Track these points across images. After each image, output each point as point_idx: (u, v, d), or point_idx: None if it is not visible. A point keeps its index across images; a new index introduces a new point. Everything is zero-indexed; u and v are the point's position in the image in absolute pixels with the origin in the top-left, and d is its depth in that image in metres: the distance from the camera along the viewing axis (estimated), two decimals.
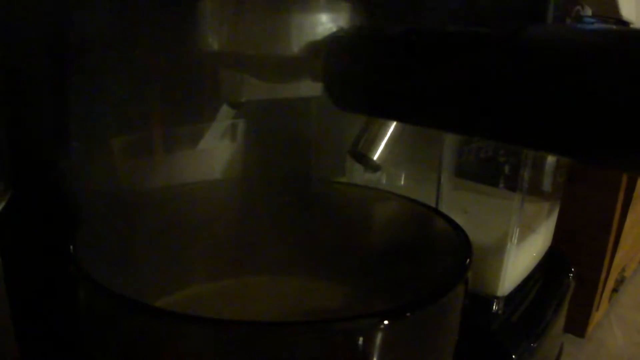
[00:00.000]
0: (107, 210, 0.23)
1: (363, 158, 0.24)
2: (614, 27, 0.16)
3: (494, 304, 0.27)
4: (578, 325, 0.44)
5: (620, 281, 0.49)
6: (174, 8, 0.19)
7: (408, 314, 0.16)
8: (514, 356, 0.25)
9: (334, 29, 0.18)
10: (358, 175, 0.31)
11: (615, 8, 0.42)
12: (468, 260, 0.20)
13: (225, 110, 0.27)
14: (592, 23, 0.26)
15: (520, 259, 0.28)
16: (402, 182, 0.32)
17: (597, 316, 0.46)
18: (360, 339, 0.16)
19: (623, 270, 0.49)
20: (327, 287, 0.28)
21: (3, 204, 0.21)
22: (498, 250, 0.26)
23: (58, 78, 0.22)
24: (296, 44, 0.18)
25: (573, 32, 0.16)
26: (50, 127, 0.23)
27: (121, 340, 0.17)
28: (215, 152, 0.28)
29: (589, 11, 0.28)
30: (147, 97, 0.24)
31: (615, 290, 0.48)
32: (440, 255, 0.23)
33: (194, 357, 0.16)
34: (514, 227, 0.26)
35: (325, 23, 0.18)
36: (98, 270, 0.18)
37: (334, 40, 0.18)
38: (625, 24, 0.43)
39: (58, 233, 0.21)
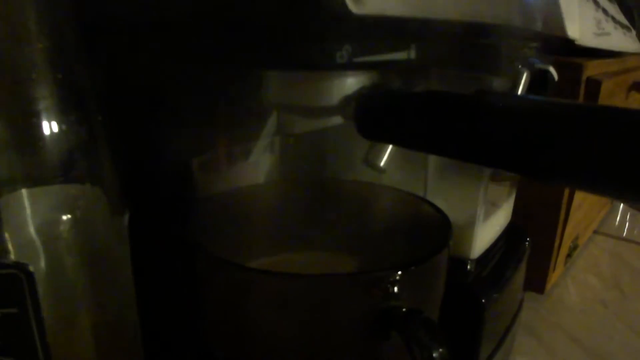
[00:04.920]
0: (195, 209, 0.33)
1: (373, 164, 0.34)
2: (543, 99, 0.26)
3: (468, 264, 0.37)
4: (538, 284, 0.55)
5: (574, 248, 0.60)
6: (247, 76, 0.29)
7: (413, 268, 0.26)
8: (483, 300, 0.36)
9: (361, 87, 0.29)
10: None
11: (561, 27, 0.52)
12: (450, 233, 0.30)
13: (266, 130, 0.37)
14: (535, 63, 0.36)
15: (486, 231, 0.38)
16: (399, 177, 0.42)
17: (554, 277, 0.57)
18: (387, 284, 0.25)
19: (576, 239, 0.60)
20: (345, 258, 0.37)
21: (126, 222, 0.31)
22: (470, 225, 0.37)
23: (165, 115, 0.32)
24: (335, 98, 0.28)
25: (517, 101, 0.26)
26: (156, 151, 0.32)
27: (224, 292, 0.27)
28: (260, 163, 0.38)
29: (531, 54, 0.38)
30: (217, 128, 0.34)
31: (569, 255, 0.59)
32: (428, 232, 0.32)
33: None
34: (481, 207, 0.37)
35: (354, 84, 0.28)
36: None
37: (361, 95, 0.28)
38: (570, 41, 0.53)
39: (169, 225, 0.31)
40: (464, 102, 0.26)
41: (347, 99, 0.29)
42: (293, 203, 0.37)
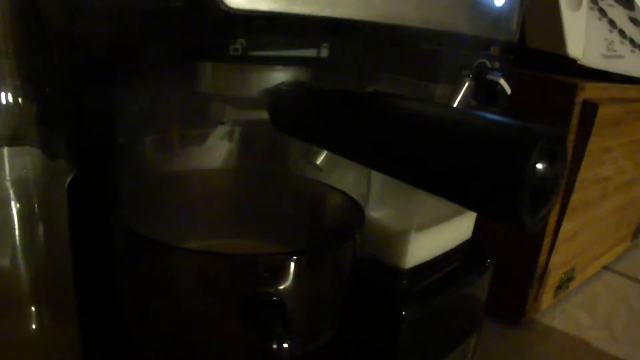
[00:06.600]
0: (139, 187, 0.35)
1: (312, 162, 0.35)
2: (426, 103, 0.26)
3: (400, 274, 0.37)
4: (514, 313, 0.53)
5: (567, 280, 0.57)
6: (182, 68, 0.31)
7: (295, 257, 0.27)
8: (404, 313, 0.35)
9: (277, 82, 0.30)
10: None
11: (561, 44, 0.50)
12: (356, 229, 0.31)
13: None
14: (486, 74, 0.34)
15: (426, 242, 0.37)
16: (350, 178, 0.42)
17: (537, 307, 0.54)
18: (259, 269, 0.26)
19: (571, 270, 0.57)
20: (274, 248, 0.38)
21: (69, 178, 0.34)
22: (405, 233, 0.36)
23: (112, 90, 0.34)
24: (253, 90, 0.29)
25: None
26: (104, 126, 0.35)
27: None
28: (216, 150, 0.40)
29: (497, 65, 0.37)
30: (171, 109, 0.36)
31: (559, 287, 0.56)
32: (348, 222, 0.33)
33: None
34: (415, 214, 0.36)
35: (273, 79, 0.29)
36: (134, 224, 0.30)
37: (276, 90, 0.29)
38: (571, 60, 0.50)
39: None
40: (354, 101, 0.26)
41: (264, 92, 0.30)
42: (229, 191, 0.39)
